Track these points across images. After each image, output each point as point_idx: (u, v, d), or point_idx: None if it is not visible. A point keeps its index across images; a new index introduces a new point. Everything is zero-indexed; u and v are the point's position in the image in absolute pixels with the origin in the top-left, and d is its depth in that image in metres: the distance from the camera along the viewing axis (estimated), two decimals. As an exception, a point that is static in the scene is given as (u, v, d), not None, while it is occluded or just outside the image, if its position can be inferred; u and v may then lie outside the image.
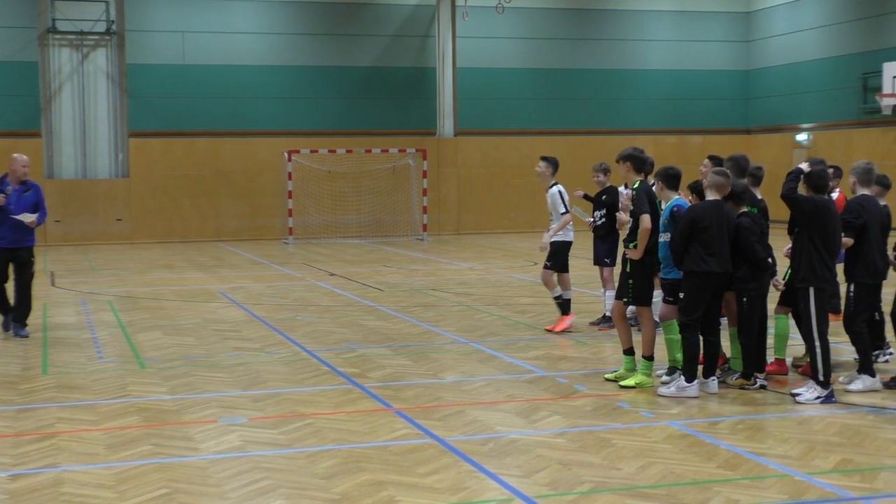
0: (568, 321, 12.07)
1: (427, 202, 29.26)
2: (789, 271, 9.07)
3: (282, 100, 29.49)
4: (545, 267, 12.11)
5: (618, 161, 9.43)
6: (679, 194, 9.27)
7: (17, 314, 12.32)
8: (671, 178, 9.23)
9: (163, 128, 28.66)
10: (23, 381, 9.66)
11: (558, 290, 12.08)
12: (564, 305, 12.08)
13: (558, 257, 12.05)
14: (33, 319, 13.59)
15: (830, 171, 11.18)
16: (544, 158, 12.09)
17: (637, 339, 9.61)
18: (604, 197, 12.41)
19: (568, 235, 12.06)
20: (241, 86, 29.21)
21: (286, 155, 28.26)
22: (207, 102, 28.92)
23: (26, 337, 12.11)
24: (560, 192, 11.99)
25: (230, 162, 29.15)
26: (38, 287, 17.42)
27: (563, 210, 11.94)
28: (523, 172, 31.09)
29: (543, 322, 12.97)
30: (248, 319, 13.59)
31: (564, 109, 31.71)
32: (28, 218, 11.96)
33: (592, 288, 16.10)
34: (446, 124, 30.80)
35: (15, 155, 12.24)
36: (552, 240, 11.99)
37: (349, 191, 29.42)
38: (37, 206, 12.07)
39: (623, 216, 9.20)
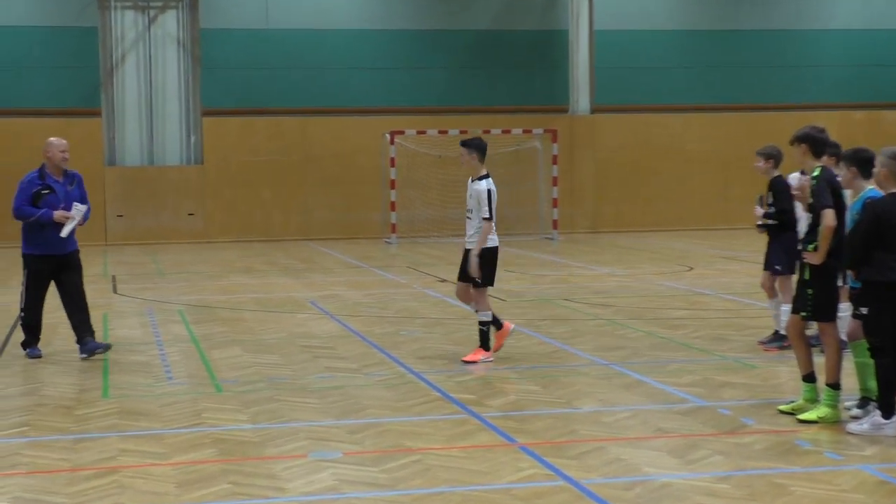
0: (482, 355, 11.66)
1: (557, 193, 29.16)
2: None
3: (383, 71, 29.75)
4: (474, 285, 11.61)
5: (792, 143, 9.22)
6: (873, 184, 9.01)
7: (84, 327, 12.21)
8: (864, 164, 8.98)
9: (242, 105, 29.19)
10: (79, 406, 9.91)
11: (485, 315, 11.66)
12: (486, 333, 11.70)
13: (487, 269, 11.59)
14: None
15: None
16: (466, 144, 11.62)
17: (819, 362, 9.39)
18: (770, 192, 12.12)
19: (491, 240, 11.62)
20: (335, 54, 29.56)
21: (388, 137, 28.49)
22: (295, 74, 29.35)
23: (108, 349, 12.21)
24: (490, 192, 11.51)
25: (321, 145, 29.52)
26: (98, 294, 17.92)
27: (487, 215, 11.39)
28: (674, 156, 30.75)
29: (700, 340, 12.78)
30: (342, 334, 13.71)
31: (725, 80, 31.24)
32: (80, 214, 11.88)
33: (762, 298, 15.81)
34: (581, 99, 30.65)
35: (51, 140, 12.01)
36: (470, 247, 11.57)
37: (463, 179, 29.29)
38: (83, 200, 12.09)
39: (801, 192, 9.06)
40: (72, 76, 28.44)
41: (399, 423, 9.07)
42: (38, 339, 12.43)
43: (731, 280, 18.81)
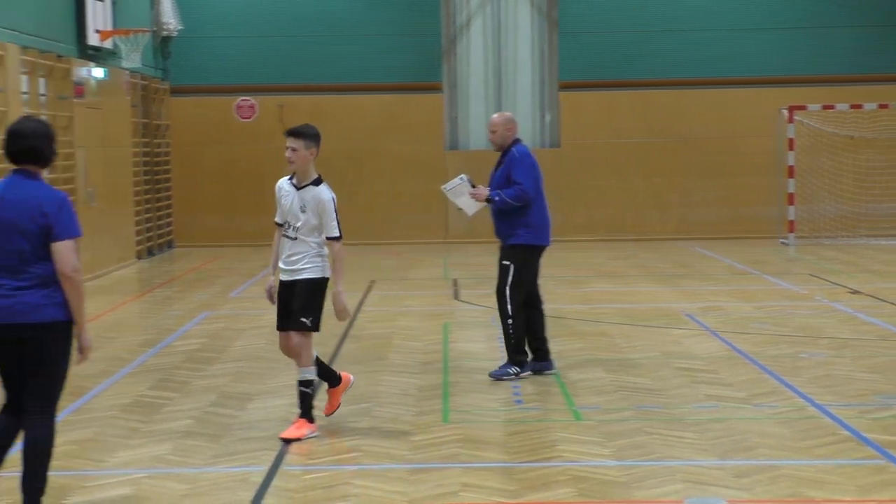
0: (307, 429, 10.13)
1: None
2: None
3: (778, 32, 29.23)
4: (303, 328, 10.08)
5: None
6: None
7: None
8: None
9: (605, 76, 29.35)
10: (418, 431, 10.27)
11: (309, 372, 10.22)
12: (310, 398, 10.22)
13: (317, 304, 10.16)
14: (431, 346, 14.46)
15: None
16: (301, 134, 10.06)
17: None
18: None
19: (325, 268, 10.19)
20: (714, 13, 29.25)
21: (785, 113, 27.98)
22: (669, 38, 29.24)
23: (553, 372, 12.55)
24: (335, 201, 10.13)
25: (699, 124, 29.31)
26: (437, 301, 18.55)
27: (338, 233, 10.07)
28: None
29: None
30: (726, 355, 13.63)
31: None
32: (480, 195, 12.31)
33: None
34: None
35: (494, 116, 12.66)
36: (298, 276, 10.09)
37: (882, 166, 28.59)
38: (501, 183, 12.36)
39: None
40: (412, 45, 29.31)
41: (797, 468, 8.93)
42: (527, 354, 12.57)
43: None
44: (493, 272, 12.78)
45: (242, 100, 29.00)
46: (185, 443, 9.94)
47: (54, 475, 7.80)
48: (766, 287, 20.00)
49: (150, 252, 26.61)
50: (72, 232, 7.46)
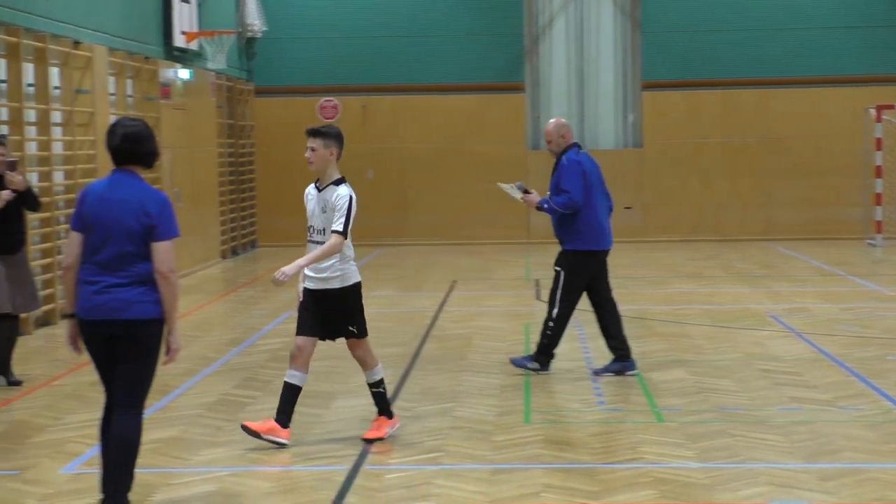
0: (388, 426, 10.09)
1: None
2: None
3: (865, 30, 28.94)
4: (352, 337, 9.92)
5: None
6: None
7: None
8: None
9: (688, 76, 29.21)
10: (499, 431, 10.28)
11: (377, 372, 10.05)
12: (384, 395, 10.14)
13: (358, 311, 9.94)
14: (512, 347, 14.47)
15: None
16: (321, 134, 9.75)
17: None
18: None
19: (354, 272, 9.89)
20: (799, 12, 29.01)
21: (872, 112, 27.69)
22: (754, 38, 29.04)
23: (635, 372, 12.63)
24: (352, 199, 9.70)
25: (784, 124, 29.09)
26: (519, 301, 18.56)
27: (342, 227, 9.60)
28: None
29: None
30: (812, 357, 13.52)
31: None
32: (531, 201, 12.88)
33: None
34: None
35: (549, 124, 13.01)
36: (329, 286, 9.76)
37: None
38: (558, 188, 12.61)
39: None
40: (495, 46, 29.34)
41: (884, 471, 8.86)
42: (553, 357, 12.84)
43: None
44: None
45: (326, 100, 29.14)
46: (269, 441, 10.02)
47: (140, 472, 7.90)
48: (853, 288, 19.83)
49: (234, 252, 26.86)
50: (172, 232, 7.59)
